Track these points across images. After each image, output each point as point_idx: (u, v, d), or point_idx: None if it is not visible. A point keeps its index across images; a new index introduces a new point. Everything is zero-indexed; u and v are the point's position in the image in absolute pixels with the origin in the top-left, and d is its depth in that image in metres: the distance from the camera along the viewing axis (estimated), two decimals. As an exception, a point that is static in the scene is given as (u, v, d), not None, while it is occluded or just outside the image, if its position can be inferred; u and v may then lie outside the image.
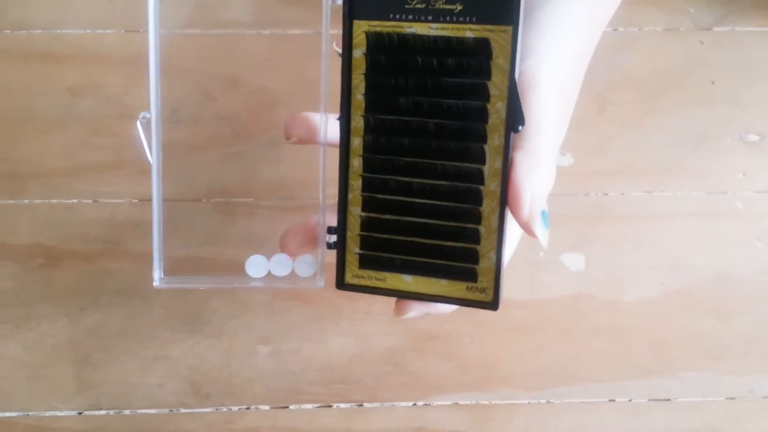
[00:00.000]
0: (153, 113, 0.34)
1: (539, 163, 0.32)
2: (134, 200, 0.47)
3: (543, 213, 0.32)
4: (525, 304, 0.46)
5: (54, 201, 0.46)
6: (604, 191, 0.48)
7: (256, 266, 0.36)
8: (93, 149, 0.47)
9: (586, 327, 0.46)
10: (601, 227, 0.47)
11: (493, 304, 0.33)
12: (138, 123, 0.33)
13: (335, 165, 0.34)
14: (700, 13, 0.52)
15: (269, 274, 0.36)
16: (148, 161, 0.34)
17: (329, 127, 0.35)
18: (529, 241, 0.33)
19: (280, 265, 0.36)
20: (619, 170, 0.48)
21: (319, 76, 0.34)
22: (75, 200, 0.47)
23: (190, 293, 0.46)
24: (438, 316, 0.40)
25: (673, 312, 0.46)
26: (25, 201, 0.46)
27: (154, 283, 0.35)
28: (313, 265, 0.36)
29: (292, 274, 0.36)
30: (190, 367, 0.45)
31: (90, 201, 0.47)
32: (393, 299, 0.35)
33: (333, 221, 0.35)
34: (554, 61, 0.35)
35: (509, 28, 0.31)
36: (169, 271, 0.36)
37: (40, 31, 0.49)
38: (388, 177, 0.34)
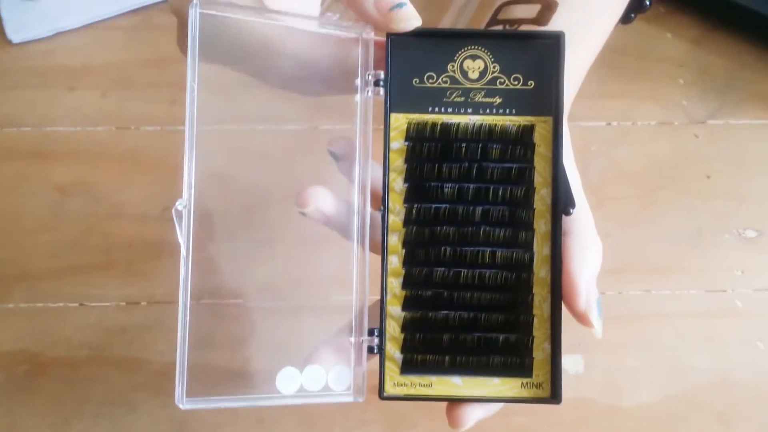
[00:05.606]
0: (190, 202, 0.31)
1: (589, 246, 0.32)
2: (122, 303, 0.46)
3: (597, 300, 0.31)
4: (523, 410, 0.45)
5: (39, 305, 0.45)
6: (602, 290, 0.47)
7: (289, 380, 0.32)
8: (81, 250, 0.46)
9: (586, 434, 0.45)
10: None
11: (553, 399, 0.31)
12: (174, 213, 0.31)
13: (345, 263, 0.32)
14: (694, 106, 0.52)
15: (301, 388, 0.32)
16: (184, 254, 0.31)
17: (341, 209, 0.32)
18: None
19: (314, 378, 0.32)
20: (616, 268, 0.48)
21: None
22: (61, 304, 0.45)
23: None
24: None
25: (674, 417, 0.45)
26: (10, 305, 0.45)
27: (179, 404, 0.31)
28: (349, 378, 0.32)
29: (326, 388, 0.32)
30: (177, 481, 0.43)
31: (76, 305, 0.45)
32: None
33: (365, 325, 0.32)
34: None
35: (549, 119, 0.32)
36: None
37: (29, 128, 0.49)
38: (433, 269, 0.32)
